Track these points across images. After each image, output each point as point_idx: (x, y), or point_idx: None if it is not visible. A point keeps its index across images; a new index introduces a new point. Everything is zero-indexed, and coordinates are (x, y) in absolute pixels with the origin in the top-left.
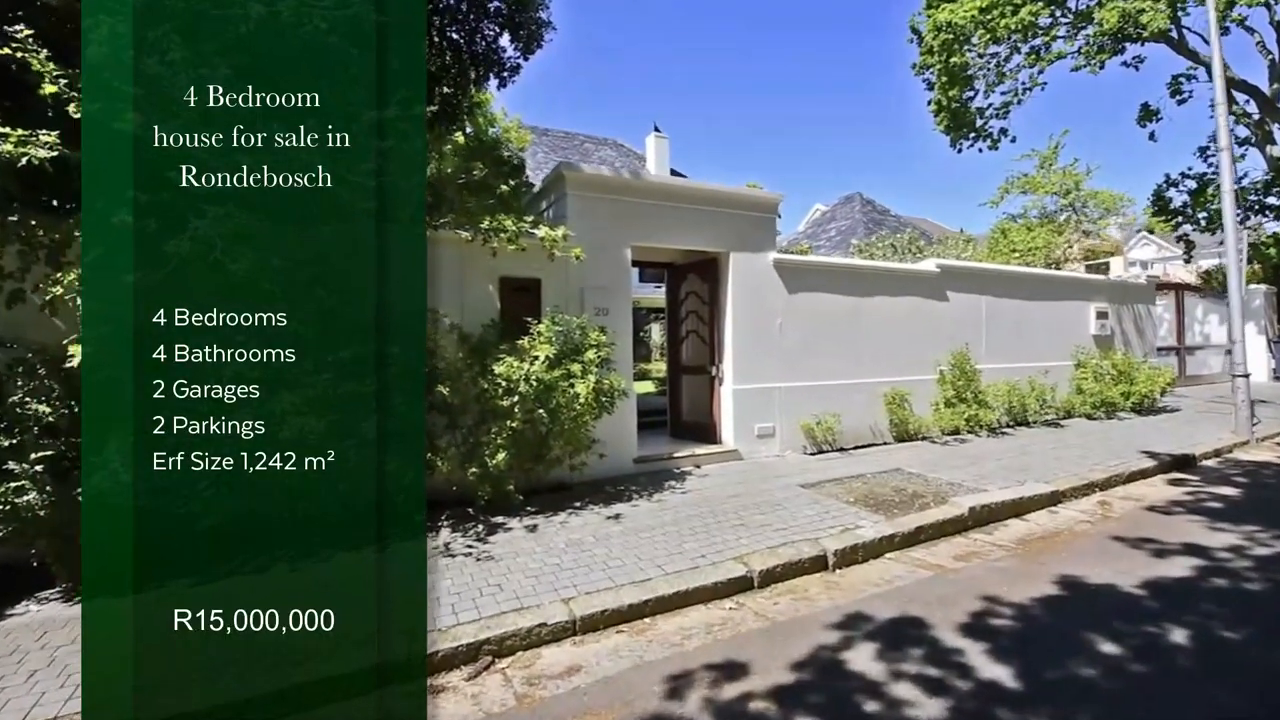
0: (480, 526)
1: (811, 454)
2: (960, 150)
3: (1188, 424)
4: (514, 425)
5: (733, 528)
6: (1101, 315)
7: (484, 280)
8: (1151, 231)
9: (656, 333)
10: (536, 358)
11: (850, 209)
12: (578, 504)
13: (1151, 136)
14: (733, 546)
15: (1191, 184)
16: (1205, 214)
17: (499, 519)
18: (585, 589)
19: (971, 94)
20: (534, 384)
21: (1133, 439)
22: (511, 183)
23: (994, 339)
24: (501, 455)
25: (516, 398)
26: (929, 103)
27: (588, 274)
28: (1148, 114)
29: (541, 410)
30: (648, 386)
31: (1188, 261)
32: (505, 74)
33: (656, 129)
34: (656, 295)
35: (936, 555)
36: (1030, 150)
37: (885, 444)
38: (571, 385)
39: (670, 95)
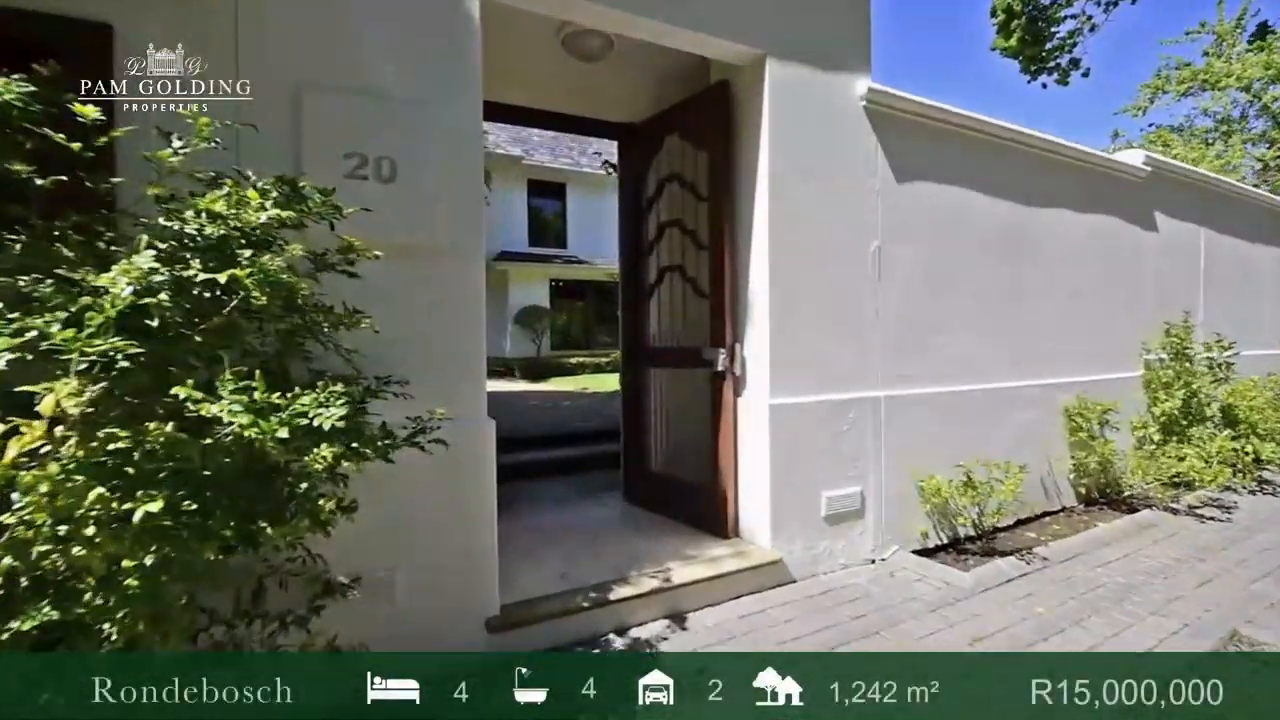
0: None
1: (944, 548)
2: (1033, 78)
3: None
4: None
5: None
6: None
7: None
8: None
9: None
10: None
11: None
12: None
13: (1269, 67)
14: None
15: None
16: None
17: None
18: None
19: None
20: None
21: None
22: None
23: (1213, 304)
24: None
25: None
26: (992, 12)
27: (311, 37)
28: (1263, 34)
29: None
30: (612, 384)
31: None
32: None
33: None
34: None
35: None
36: (1199, 24)
37: (1069, 512)
38: None
39: None
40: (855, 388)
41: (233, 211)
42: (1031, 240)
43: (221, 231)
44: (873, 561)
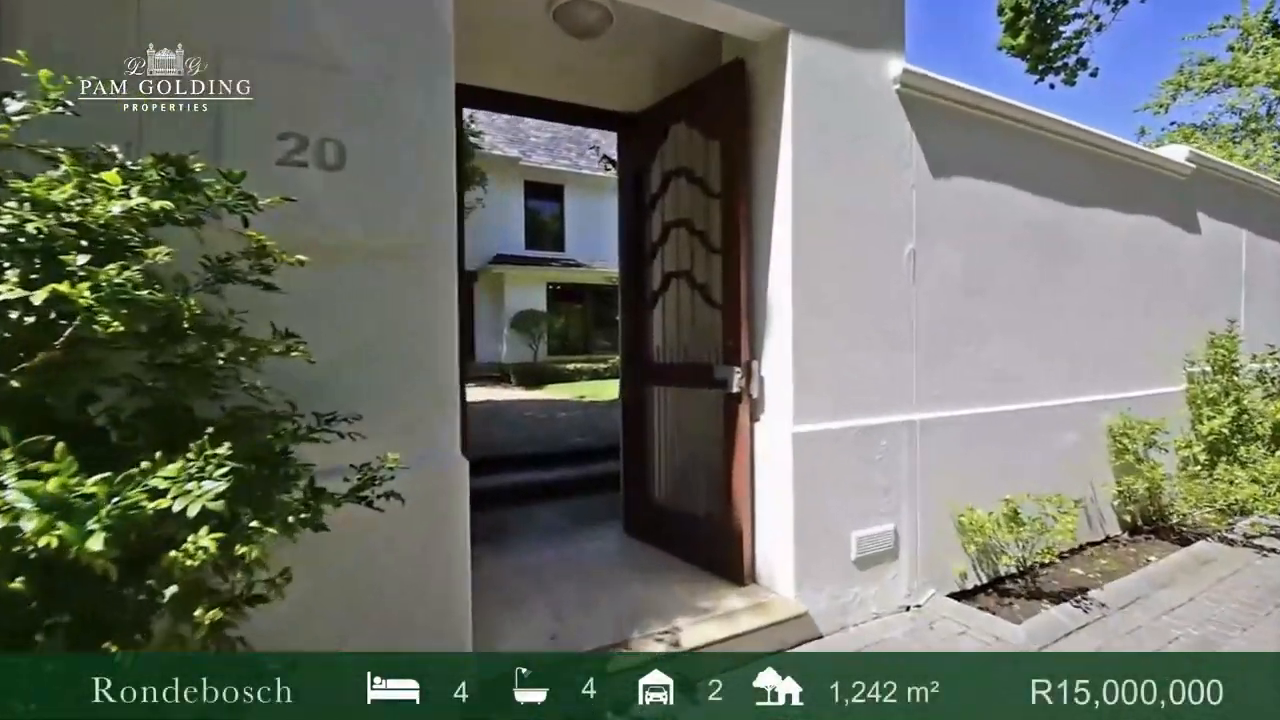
0: None
1: (983, 588)
2: (1040, 78)
3: None
4: None
5: None
6: None
7: None
8: None
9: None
10: None
11: None
12: None
13: None
14: None
15: None
16: None
17: None
18: None
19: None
20: None
21: None
22: None
23: (1253, 311)
24: None
25: None
26: (999, 10)
27: None
28: (1276, 33)
29: None
30: (611, 391)
31: None
32: None
33: None
34: None
35: None
36: (1223, 19)
37: (1115, 543)
38: None
39: None
40: (889, 410)
41: (79, 201)
42: (1073, 242)
43: (47, 229)
44: (908, 609)
